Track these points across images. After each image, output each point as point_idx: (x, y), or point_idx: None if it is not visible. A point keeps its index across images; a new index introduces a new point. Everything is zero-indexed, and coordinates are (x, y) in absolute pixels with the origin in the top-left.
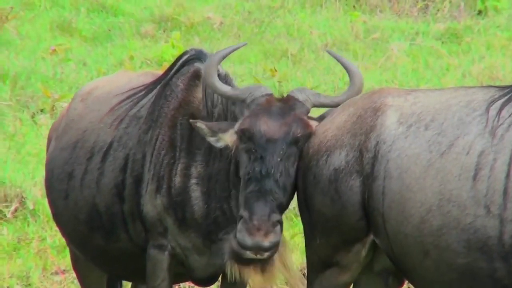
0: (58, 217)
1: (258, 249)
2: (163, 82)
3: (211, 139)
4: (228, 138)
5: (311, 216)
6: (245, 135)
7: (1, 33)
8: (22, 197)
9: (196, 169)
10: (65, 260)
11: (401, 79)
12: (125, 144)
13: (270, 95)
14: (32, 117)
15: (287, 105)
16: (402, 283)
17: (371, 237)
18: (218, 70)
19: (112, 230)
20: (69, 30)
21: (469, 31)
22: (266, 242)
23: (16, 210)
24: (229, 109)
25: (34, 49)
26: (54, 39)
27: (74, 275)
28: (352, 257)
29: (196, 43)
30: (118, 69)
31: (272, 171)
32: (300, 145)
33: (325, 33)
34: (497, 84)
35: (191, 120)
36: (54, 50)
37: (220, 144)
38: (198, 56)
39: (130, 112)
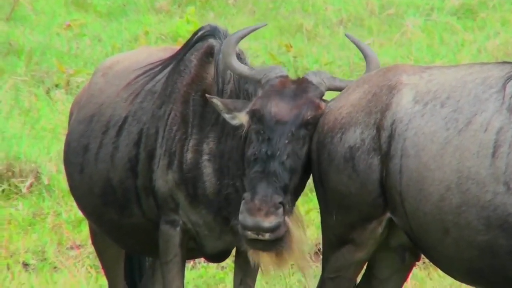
0: (74, 190)
1: (258, 229)
2: (178, 57)
3: (227, 116)
4: (242, 118)
5: (326, 194)
6: (255, 116)
7: (16, 8)
8: (37, 172)
9: (208, 146)
10: (80, 235)
11: (416, 55)
12: (140, 119)
13: (285, 76)
14: (47, 92)
15: (300, 87)
16: (418, 258)
17: (388, 214)
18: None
19: (125, 204)
20: (84, 6)
21: (484, 6)
22: (266, 223)
23: (31, 185)
24: (241, 87)
25: (49, 25)
26: (69, 14)
27: (89, 250)
28: (368, 234)
29: (211, 19)
30: (133, 45)
31: (278, 153)
32: (310, 127)
33: (340, 9)
34: None
35: (207, 96)
36: (69, 26)
37: (235, 122)
38: (213, 32)
39: (145, 87)
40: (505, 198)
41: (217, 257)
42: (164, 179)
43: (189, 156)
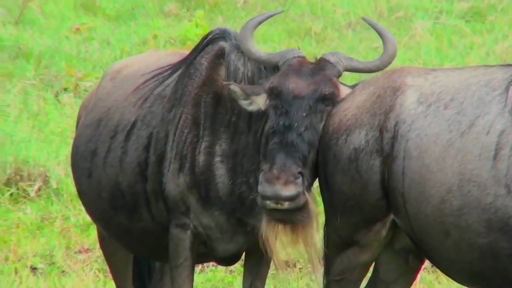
0: (82, 195)
1: (277, 198)
2: (188, 61)
3: (244, 102)
4: (260, 101)
5: (331, 195)
6: (273, 93)
7: (25, 12)
8: (46, 176)
9: (220, 147)
10: (89, 239)
11: (425, 58)
12: (149, 123)
13: (302, 57)
14: (56, 96)
15: (318, 66)
16: (422, 262)
17: (391, 216)
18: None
19: (134, 209)
20: (92, 9)
21: (492, 9)
22: (285, 191)
23: (39, 189)
24: (255, 84)
25: (58, 28)
26: (78, 18)
27: (97, 254)
28: (373, 236)
29: (219, 22)
30: (142, 48)
31: (296, 124)
32: (328, 103)
33: (349, 11)
34: None
35: (224, 82)
36: (78, 29)
37: (252, 107)
38: (223, 35)
39: (155, 91)
40: (506, 200)
41: (229, 260)
42: (175, 183)
43: (201, 158)
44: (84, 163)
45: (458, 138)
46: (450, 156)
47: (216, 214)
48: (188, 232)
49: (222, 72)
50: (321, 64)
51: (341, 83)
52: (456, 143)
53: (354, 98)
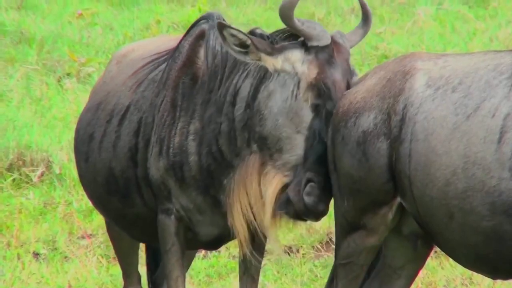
0: (81, 179)
1: (323, 215)
2: (176, 45)
3: (237, 49)
4: (271, 62)
5: (339, 178)
6: (321, 90)
7: None
8: (49, 161)
9: (194, 126)
10: (92, 225)
11: (428, 43)
12: (140, 108)
13: (331, 44)
14: (58, 81)
15: (343, 57)
16: (431, 248)
17: (398, 199)
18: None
19: (127, 194)
20: None
21: None
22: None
23: (42, 174)
24: (228, 59)
25: (60, 13)
26: (81, 3)
27: (100, 239)
28: (379, 219)
29: (222, 7)
30: (145, 34)
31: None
32: None
33: None
34: None
35: (219, 22)
36: (81, 14)
37: (248, 58)
38: (207, 17)
39: (149, 75)
40: (510, 184)
41: (214, 244)
42: (156, 167)
43: (176, 140)
44: (82, 146)
45: (464, 121)
46: (456, 138)
47: (194, 195)
48: (172, 217)
49: (202, 54)
50: (346, 56)
51: None
52: (462, 126)
53: (364, 82)
